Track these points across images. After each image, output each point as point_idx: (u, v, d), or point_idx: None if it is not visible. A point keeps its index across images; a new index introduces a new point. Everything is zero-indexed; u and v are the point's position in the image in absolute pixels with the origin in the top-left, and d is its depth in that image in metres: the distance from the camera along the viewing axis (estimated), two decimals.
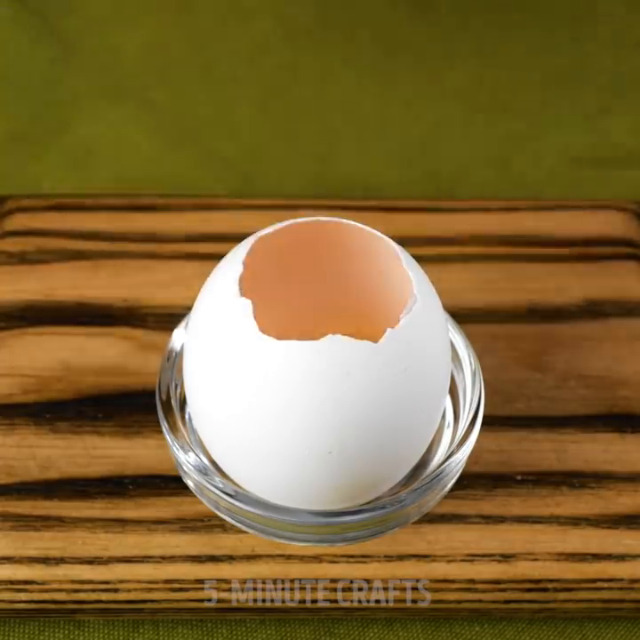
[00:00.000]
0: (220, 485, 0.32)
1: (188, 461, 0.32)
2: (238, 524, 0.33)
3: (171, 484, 0.35)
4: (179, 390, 0.34)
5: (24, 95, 0.50)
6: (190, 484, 0.34)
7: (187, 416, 0.34)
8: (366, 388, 0.29)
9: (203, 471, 0.32)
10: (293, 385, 0.29)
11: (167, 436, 0.33)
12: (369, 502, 0.32)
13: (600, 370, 0.38)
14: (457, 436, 0.33)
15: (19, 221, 0.42)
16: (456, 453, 0.33)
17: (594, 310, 0.40)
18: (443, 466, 0.32)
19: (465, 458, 0.33)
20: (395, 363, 0.29)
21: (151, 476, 0.35)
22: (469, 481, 0.35)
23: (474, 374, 0.34)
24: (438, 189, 0.47)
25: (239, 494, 0.32)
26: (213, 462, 0.33)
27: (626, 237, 0.42)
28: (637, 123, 0.51)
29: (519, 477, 0.35)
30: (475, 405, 0.33)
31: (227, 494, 0.32)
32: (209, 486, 0.32)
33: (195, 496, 0.34)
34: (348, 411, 0.29)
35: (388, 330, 0.29)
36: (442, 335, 0.32)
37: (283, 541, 0.33)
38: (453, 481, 0.34)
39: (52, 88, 0.50)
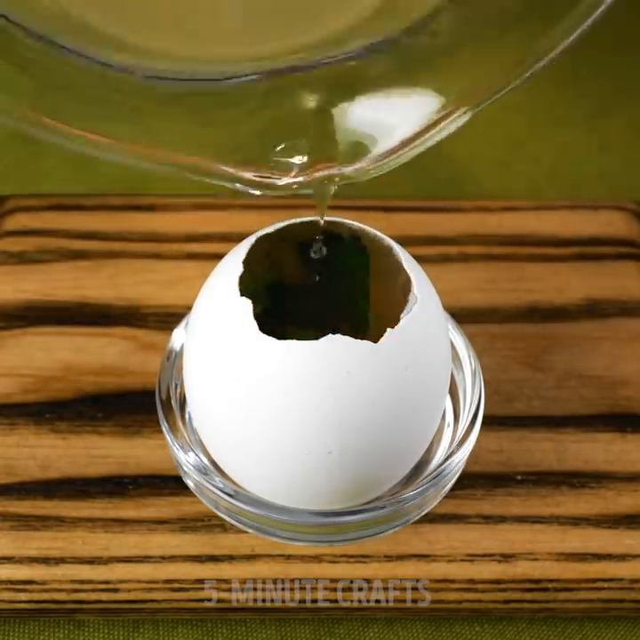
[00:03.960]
0: (220, 485, 0.32)
1: (187, 461, 0.32)
2: (238, 524, 0.33)
3: (171, 483, 0.35)
4: (179, 390, 0.34)
5: None
6: (190, 483, 0.34)
7: (187, 416, 0.34)
8: (366, 387, 0.29)
9: (203, 471, 0.32)
10: (293, 385, 0.29)
11: (167, 436, 0.33)
12: (369, 502, 0.32)
13: (600, 370, 0.38)
14: (457, 436, 0.33)
15: (19, 221, 0.42)
16: (456, 453, 0.33)
17: (594, 310, 0.40)
18: (443, 466, 0.32)
19: (465, 458, 0.33)
20: (395, 362, 0.29)
21: (151, 475, 0.35)
22: (469, 481, 0.35)
23: (474, 374, 0.34)
24: (438, 189, 0.47)
25: (239, 494, 0.32)
26: (213, 462, 0.33)
27: (626, 237, 0.42)
28: (637, 123, 0.50)
29: (519, 477, 0.35)
30: (475, 405, 0.33)
31: (227, 494, 0.32)
32: (209, 486, 0.32)
33: (195, 496, 0.34)
34: (347, 410, 0.29)
35: (388, 330, 0.29)
36: (442, 335, 0.32)
37: (283, 541, 0.33)
38: (453, 481, 0.34)
39: None
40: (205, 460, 0.33)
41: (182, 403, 0.34)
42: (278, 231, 0.32)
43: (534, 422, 0.37)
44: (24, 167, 0.48)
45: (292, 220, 0.32)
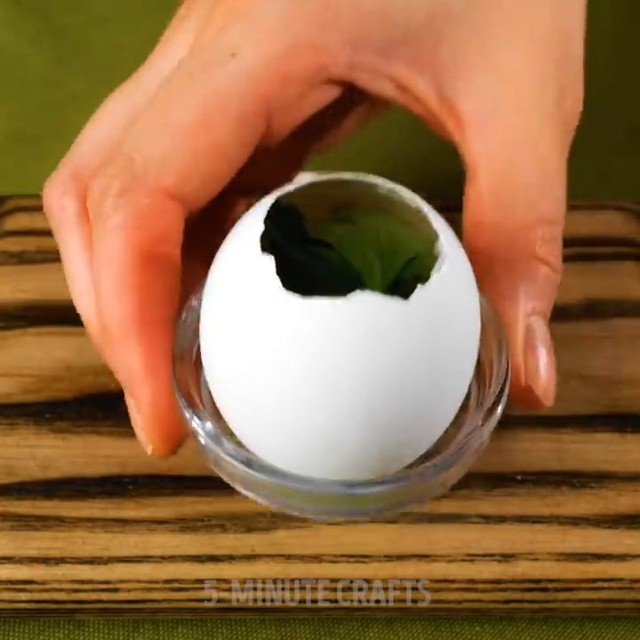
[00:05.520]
0: (235, 453, 0.30)
1: (204, 429, 0.30)
2: (254, 496, 0.30)
3: (171, 483, 0.35)
4: (193, 356, 0.32)
5: (24, 95, 0.50)
6: (207, 454, 0.31)
7: (202, 382, 0.32)
8: (395, 347, 0.28)
9: (217, 440, 0.30)
10: (319, 346, 0.27)
11: (180, 402, 0.31)
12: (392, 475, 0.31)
13: (601, 370, 0.38)
14: (483, 409, 0.32)
15: (19, 221, 0.42)
16: (482, 426, 0.31)
17: (594, 310, 0.40)
18: (468, 438, 0.31)
19: (489, 432, 0.32)
20: (425, 321, 0.28)
21: (151, 475, 0.35)
22: (469, 481, 0.35)
23: (500, 347, 0.32)
24: (440, 188, 0.47)
25: (254, 463, 0.30)
26: (230, 432, 0.31)
27: (626, 237, 0.42)
28: (637, 123, 0.50)
29: (519, 477, 0.35)
30: (502, 379, 0.31)
31: (241, 462, 0.30)
32: (223, 456, 0.30)
33: (195, 496, 0.34)
34: (376, 372, 0.28)
35: (419, 286, 0.28)
36: (471, 294, 0.30)
37: (298, 514, 0.30)
38: (475, 457, 0.32)
39: (51, 88, 0.50)
40: (220, 430, 0.31)
41: (197, 369, 0.32)
42: (298, 190, 0.30)
43: (534, 422, 0.37)
44: (24, 167, 0.48)
45: (316, 178, 0.30)
